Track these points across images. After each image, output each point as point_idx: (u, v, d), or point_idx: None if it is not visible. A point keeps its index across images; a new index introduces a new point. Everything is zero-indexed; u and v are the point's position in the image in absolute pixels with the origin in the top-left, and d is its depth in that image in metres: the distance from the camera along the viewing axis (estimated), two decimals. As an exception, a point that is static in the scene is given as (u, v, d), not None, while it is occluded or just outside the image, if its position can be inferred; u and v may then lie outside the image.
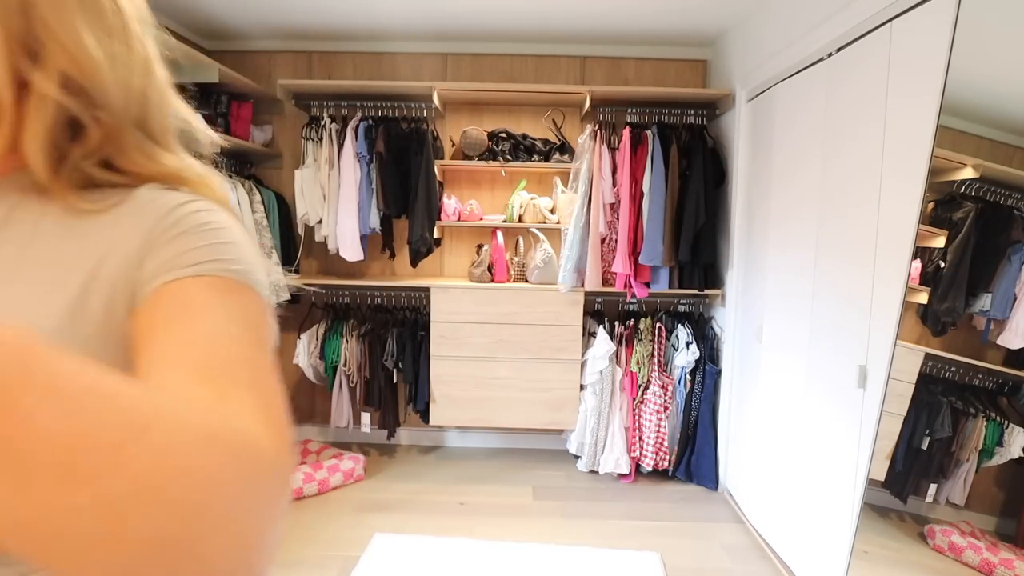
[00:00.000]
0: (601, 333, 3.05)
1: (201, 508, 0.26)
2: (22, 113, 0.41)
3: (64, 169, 0.43)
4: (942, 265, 1.62)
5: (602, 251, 3.07)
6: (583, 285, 3.05)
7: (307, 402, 3.49)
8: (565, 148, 3.26)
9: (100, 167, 0.44)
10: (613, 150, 3.04)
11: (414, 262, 3.13)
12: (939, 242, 1.61)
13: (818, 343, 2.06)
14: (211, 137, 0.52)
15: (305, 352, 3.17)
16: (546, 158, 3.22)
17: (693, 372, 3.03)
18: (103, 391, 0.25)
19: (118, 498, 0.24)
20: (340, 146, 3.04)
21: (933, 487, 1.67)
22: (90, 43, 0.41)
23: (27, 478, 0.23)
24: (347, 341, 3.16)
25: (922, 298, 1.64)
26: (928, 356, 1.66)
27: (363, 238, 3.06)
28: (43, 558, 0.23)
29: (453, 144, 3.34)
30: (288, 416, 0.35)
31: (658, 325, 3.15)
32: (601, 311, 3.34)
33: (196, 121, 0.52)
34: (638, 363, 3.05)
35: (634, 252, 2.98)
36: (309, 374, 3.22)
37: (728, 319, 2.96)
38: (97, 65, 0.42)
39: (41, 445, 0.23)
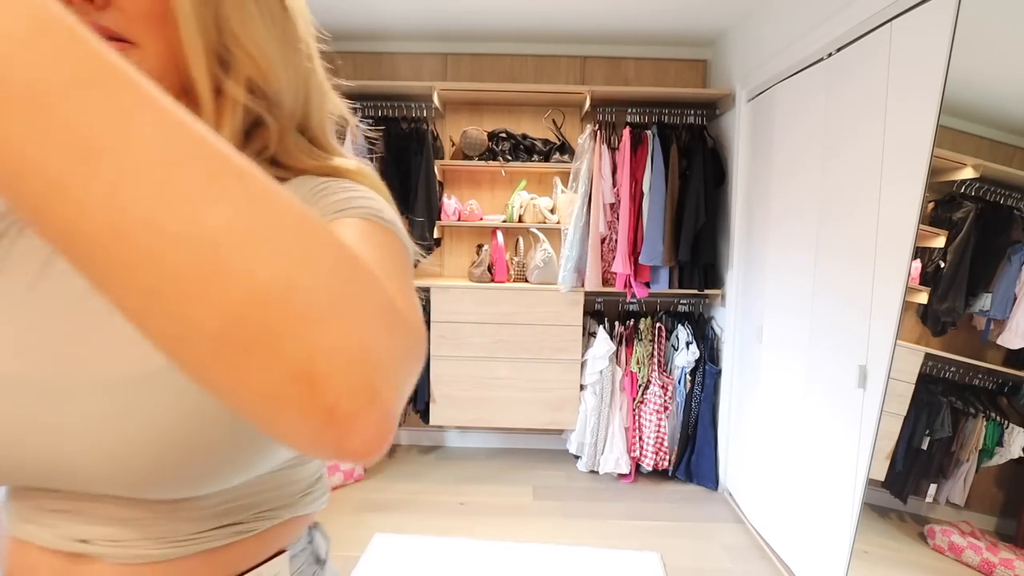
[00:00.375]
0: (601, 333, 3.05)
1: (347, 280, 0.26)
2: (216, 116, 0.45)
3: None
4: (942, 265, 1.62)
5: (602, 251, 3.07)
6: (583, 285, 3.05)
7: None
8: (565, 148, 3.26)
9: (268, 164, 0.48)
10: (613, 150, 3.04)
11: (414, 262, 3.12)
12: (939, 242, 1.62)
13: (818, 343, 2.06)
14: (364, 134, 0.55)
15: None
16: (546, 158, 3.22)
17: (693, 372, 3.03)
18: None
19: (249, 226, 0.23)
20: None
21: (933, 487, 1.67)
22: (271, 52, 0.45)
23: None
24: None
25: (922, 298, 1.64)
26: (928, 356, 1.66)
27: (363, 238, 3.06)
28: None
29: (453, 144, 3.34)
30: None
31: (658, 325, 3.15)
32: (601, 311, 3.34)
33: (352, 119, 0.57)
34: (638, 363, 3.05)
35: (634, 252, 2.98)
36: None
37: (728, 319, 2.96)
38: (276, 71, 0.46)
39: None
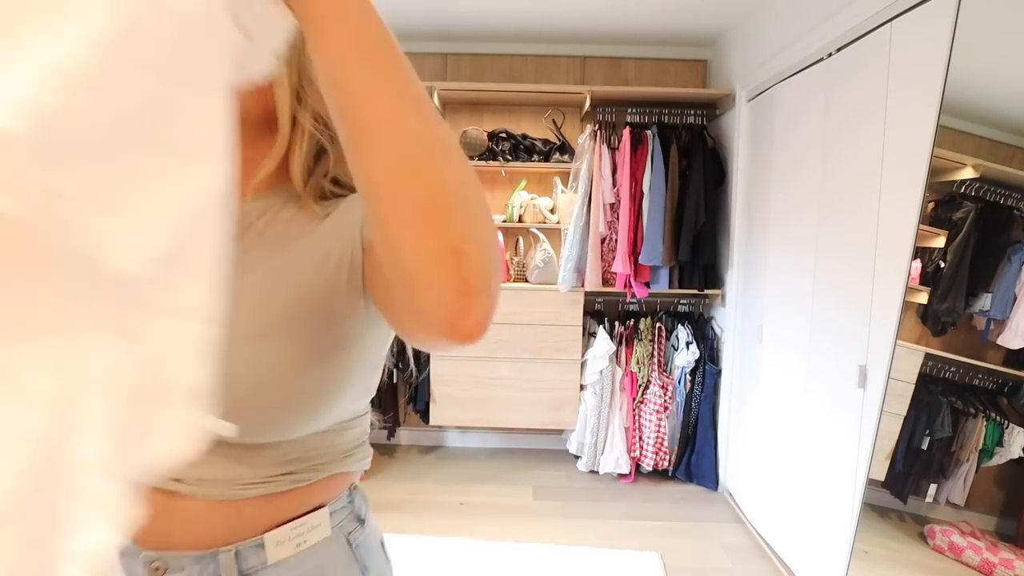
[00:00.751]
0: (601, 333, 3.05)
1: (462, 163, 0.38)
2: (291, 142, 0.56)
3: (310, 184, 0.58)
4: (942, 265, 1.62)
5: (602, 251, 3.07)
6: (583, 285, 3.05)
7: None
8: (565, 148, 3.26)
9: (331, 183, 0.59)
10: (613, 150, 3.04)
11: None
12: (939, 242, 1.61)
13: (818, 343, 2.06)
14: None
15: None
16: (546, 158, 3.22)
17: (693, 372, 3.03)
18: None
19: (433, 119, 0.37)
20: (340, 146, 3.04)
21: (933, 487, 1.67)
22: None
23: (380, 36, 0.36)
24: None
25: (922, 298, 1.64)
26: (928, 356, 1.66)
27: (363, 238, 3.06)
28: (371, 84, 0.35)
29: (453, 144, 3.33)
30: None
31: (658, 325, 3.15)
32: (601, 311, 3.34)
33: None
34: (638, 363, 3.05)
35: (634, 252, 2.98)
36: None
37: (728, 319, 2.96)
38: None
39: (385, 39, 0.36)
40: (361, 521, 0.63)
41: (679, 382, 3.05)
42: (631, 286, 2.99)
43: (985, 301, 1.57)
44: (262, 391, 0.50)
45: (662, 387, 3.05)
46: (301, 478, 0.55)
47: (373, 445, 0.66)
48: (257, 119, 0.56)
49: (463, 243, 0.36)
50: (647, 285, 3.01)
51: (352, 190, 0.60)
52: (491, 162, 3.18)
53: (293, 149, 0.56)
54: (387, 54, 0.35)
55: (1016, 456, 1.54)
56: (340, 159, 0.58)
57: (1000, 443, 1.58)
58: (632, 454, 3.04)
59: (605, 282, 3.08)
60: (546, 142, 3.26)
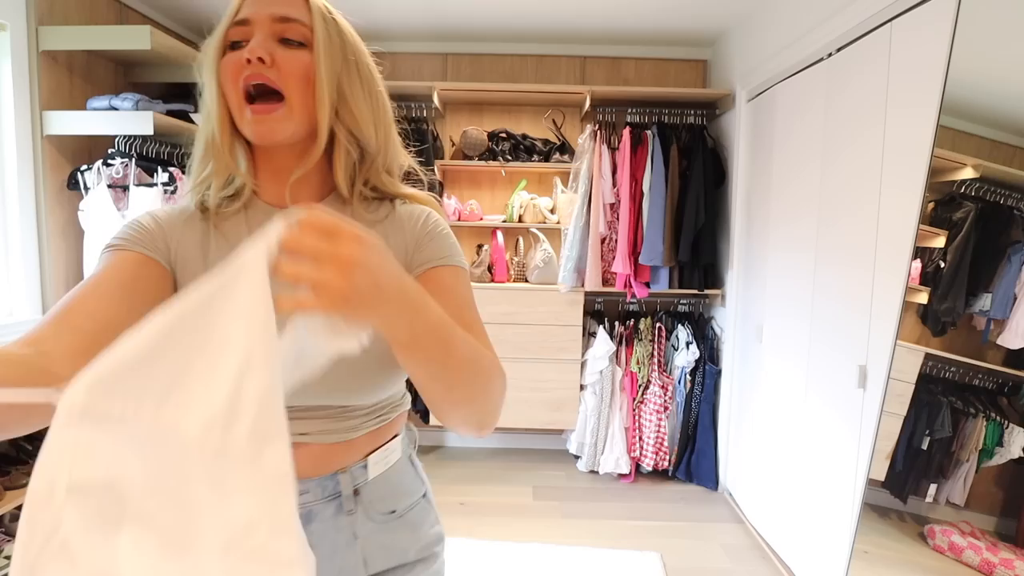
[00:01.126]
0: (601, 333, 3.05)
1: (493, 384, 0.61)
2: (334, 155, 0.70)
3: (354, 190, 0.73)
4: (942, 265, 1.62)
5: (602, 251, 3.07)
6: (583, 285, 3.05)
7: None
8: (565, 148, 3.26)
9: (371, 190, 0.75)
10: (613, 150, 3.04)
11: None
12: (939, 242, 1.61)
13: (818, 343, 2.06)
14: (423, 172, 0.83)
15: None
16: (546, 158, 3.22)
17: (693, 372, 3.02)
18: (456, 327, 0.56)
19: (465, 362, 0.56)
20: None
21: (933, 487, 1.67)
22: (366, 113, 0.70)
23: (434, 339, 0.52)
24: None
25: (922, 298, 1.64)
26: (928, 356, 1.66)
27: (363, 238, 3.06)
28: (429, 365, 0.53)
29: (453, 144, 3.34)
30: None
31: (658, 325, 3.15)
32: (601, 311, 3.34)
33: (413, 162, 0.82)
34: (638, 363, 3.05)
35: (634, 252, 2.98)
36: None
37: (728, 319, 2.96)
38: (368, 126, 0.71)
39: (441, 328, 0.52)
40: (415, 446, 0.87)
41: (679, 382, 3.05)
42: (631, 286, 2.99)
43: (985, 301, 1.57)
44: (363, 375, 0.70)
45: (662, 387, 3.05)
46: (384, 419, 0.76)
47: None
48: (303, 134, 0.68)
49: (486, 416, 0.62)
50: (647, 285, 3.01)
51: (387, 194, 0.76)
52: (491, 162, 3.18)
53: (336, 162, 0.70)
54: (442, 354, 0.53)
55: (1016, 456, 1.54)
56: (373, 168, 0.73)
57: (1000, 443, 1.58)
58: (632, 454, 3.04)
59: (605, 282, 3.08)
60: (546, 142, 3.26)
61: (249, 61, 0.62)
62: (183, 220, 0.71)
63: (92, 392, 0.41)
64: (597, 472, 3.09)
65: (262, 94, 0.65)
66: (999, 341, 1.55)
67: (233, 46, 0.66)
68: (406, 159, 0.79)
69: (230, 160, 0.68)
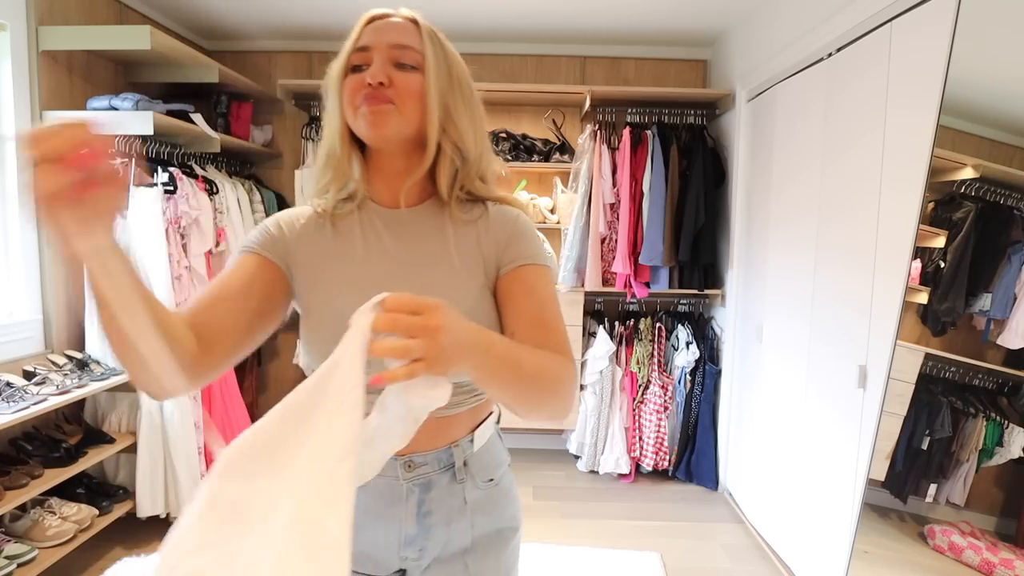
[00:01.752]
0: (601, 333, 3.05)
1: (562, 386, 0.71)
2: (438, 164, 0.80)
3: (452, 195, 0.82)
4: (942, 265, 1.62)
5: (602, 251, 3.07)
6: (583, 285, 3.05)
7: (307, 402, 3.47)
8: (565, 148, 3.26)
9: (467, 194, 0.84)
10: (613, 150, 3.04)
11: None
12: (939, 242, 1.62)
13: (818, 343, 2.06)
14: (502, 176, 0.91)
15: (305, 352, 3.16)
16: (546, 158, 3.22)
17: (693, 372, 3.02)
18: (521, 348, 0.67)
19: (532, 377, 0.66)
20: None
21: (933, 487, 1.67)
22: (467, 125, 0.81)
23: (503, 367, 0.62)
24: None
25: (922, 298, 1.64)
26: (928, 356, 1.66)
27: (363, 238, 3.06)
28: (504, 387, 0.63)
29: (453, 144, 3.33)
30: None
31: (658, 325, 3.15)
32: (601, 311, 3.34)
33: (505, 168, 0.91)
34: (638, 363, 3.05)
35: (634, 252, 2.98)
36: (309, 374, 3.21)
37: (728, 319, 2.96)
38: (468, 137, 0.81)
39: (507, 356, 0.63)
40: (499, 421, 0.95)
41: (679, 382, 3.05)
42: (631, 286, 2.99)
43: (985, 301, 1.57)
44: None
45: (662, 387, 3.05)
46: (479, 397, 0.84)
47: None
48: (411, 141, 0.78)
49: (556, 413, 0.72)
50: (647, 285, 3.01)
51: (478, 197, 0.85)
52: (491, 162, 3.18)
53: (440, 170, 0.80)
54: (512, 376, 0.64)
55: (1016, 456, 1.54)
56: (468, 175, 0.83)
57: (1000, 443, 1.58)
58: (632, 454, 3.04)
59: (605, 282, 3.08)
60: (546, 142, 3.26)
61: (370, 84, 0.73)
62: (301, 223, 0.83)
63: (223, 476, 0.55)
64: (597, 472, 3.09)
65: (385, 104, 0.77)
66: (999, 341, 1.55)
67: (354, 69, 0.76)
68: (500, 166, 0.89)
69: (347, 168, 0.81)
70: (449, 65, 0.80)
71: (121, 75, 2.65)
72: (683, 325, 3.12)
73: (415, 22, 0.81)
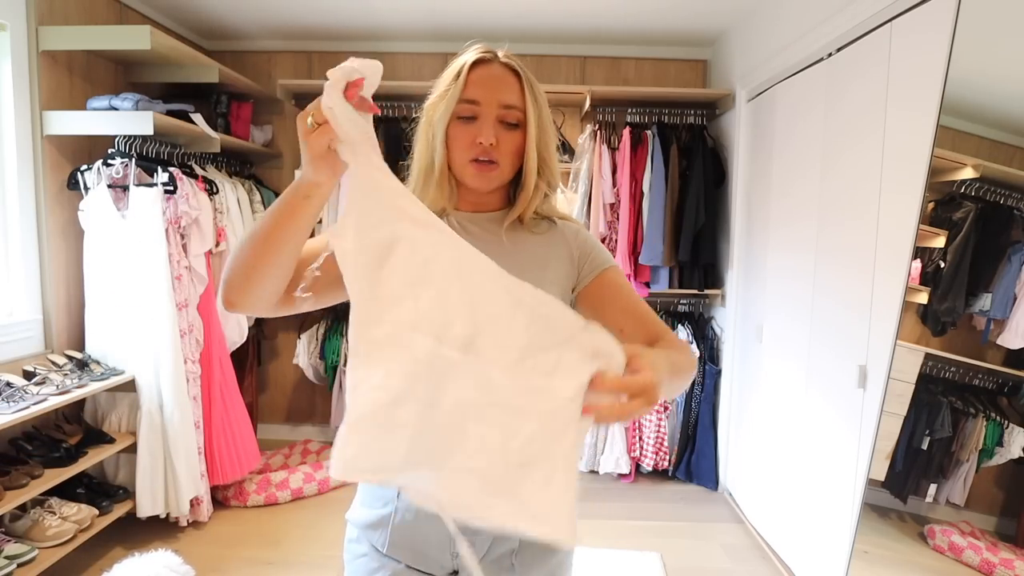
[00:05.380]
0: (601, 333, 3.05)
1: (694, 360, 0.81)
2: (522, 194, 0.89)
3: (526, 214, 0.91)
4: (942, 265, 1.62)
5: (602, 251, 3.07)
6: (583, 285, 3.05)
7: (307, 402, 3.48)
8: (565, 148, 3.25)
9: (541, 216, 0.93)
10: (613, 150, 3.04)
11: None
12: (939, 242, 1.62)
13: (818, 343, 2.06)
14: (561, 192, 0.98)
15: (305, 352, 3.17)
16: (546, 158, 3.22)
17: (693, 372, 3.02)
18: (668, 353, 0.73)
19: (681, 371, 0.75)
20: (340, 146, 3.04)
21: (933, 487, 1.67)
22: (555, 166, 0.90)
23: (672, 377, 0.69)
24: (347, 341, 3.16)
25: (922, 298, 1.64)
26: (928, 356, 1.66)
27: (363, 238, 3.06)
28: (669, 392, 0.70)
29: (453, 144, 3.33)
30: None
31: (658, 325, 3.15)
32: (601, 311, 3.34)
33: (560, 182, 0.97)
34: (638, 363, 3.05)
35: (634, 252, 2.98)
36: (309, 374, 3.21)
37: (728, 319, 2.96)
38: (555, 173, 0.90)
39: (669, 366, 0.66)
40: None
41: (679, 382, 3.05)
42: (631, 286, 2.99)
43: (985, 301, 1.57)
44: None
45: (662, 387, 3.05)
46: None
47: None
48: (508, 187, 0.91)
49: (685, 387, 0.88)
50: (647, 285, 3.01)
51: (543, 217, 0.93)
52: (491, 162, 3.18)
53: (531, 199, 0.89)
54: (677, 379, 0.74)
55: (1016, 456, 1.55)
56: (537, 199, 0.91)
57: (1000, 443, 1.58)
58: (632, 454, 3.04)
59: (605, 282, 3.07)
60: (546, 142, 3.25)
61: (481, 144, 0.82)
62: None
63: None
64: (597, 472, 3.09)
65: (487, 164, 0.86)
66: (999, 341, 1.55)
67: (461, 117, 0.85)
68: (558, 182, 0.98)
69: (448, 192, 0.88)
70: (541, 115, 0.87)
71: (121, 75, 2.65)
72: (683, 325, 3.12)
73: (516, 74, 0.87)
